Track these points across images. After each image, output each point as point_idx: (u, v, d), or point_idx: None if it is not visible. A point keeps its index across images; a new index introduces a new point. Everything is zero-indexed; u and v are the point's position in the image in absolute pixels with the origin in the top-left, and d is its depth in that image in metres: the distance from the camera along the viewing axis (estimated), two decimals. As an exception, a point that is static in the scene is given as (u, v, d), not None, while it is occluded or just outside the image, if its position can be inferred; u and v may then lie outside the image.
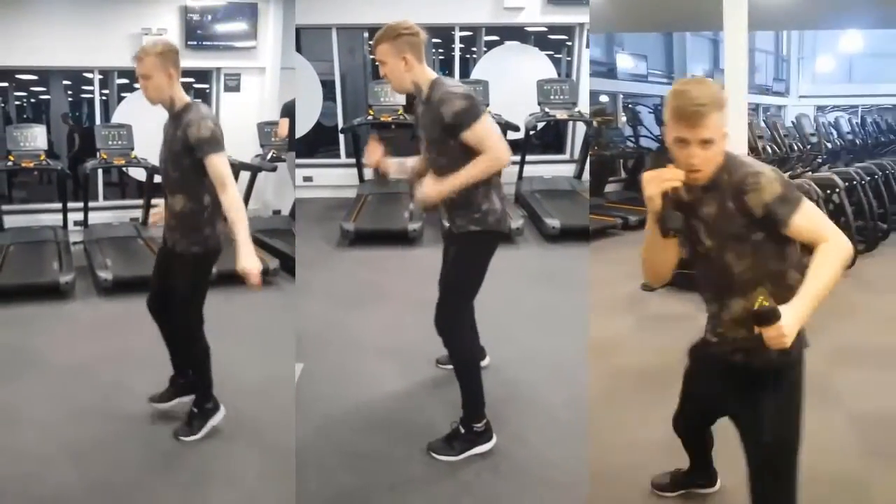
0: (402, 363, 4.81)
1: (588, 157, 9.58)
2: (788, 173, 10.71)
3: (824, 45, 18.44)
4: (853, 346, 5.72)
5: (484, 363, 4.21)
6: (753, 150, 9.30)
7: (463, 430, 3.71)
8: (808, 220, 2.41)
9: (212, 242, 3.73)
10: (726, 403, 2.78)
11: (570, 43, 10.44)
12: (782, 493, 2.67)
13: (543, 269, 6.37)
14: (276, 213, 9.13)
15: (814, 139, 12.04)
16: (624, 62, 13.74)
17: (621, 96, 13.58)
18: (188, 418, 4.05)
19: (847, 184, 7.62)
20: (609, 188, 11.89)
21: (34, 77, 9.76)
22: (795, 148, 11.45)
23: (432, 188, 3.51)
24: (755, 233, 2.46)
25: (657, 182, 2.44)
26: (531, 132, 8.96)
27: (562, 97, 9.03)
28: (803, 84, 18.74)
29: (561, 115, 8.98)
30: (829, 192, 7.25)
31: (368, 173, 9.35)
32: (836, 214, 7.63)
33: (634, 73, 13.80)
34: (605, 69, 13.85)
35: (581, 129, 9.70)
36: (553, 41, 10.73)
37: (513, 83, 8.99)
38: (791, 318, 2.24)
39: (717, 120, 2.39)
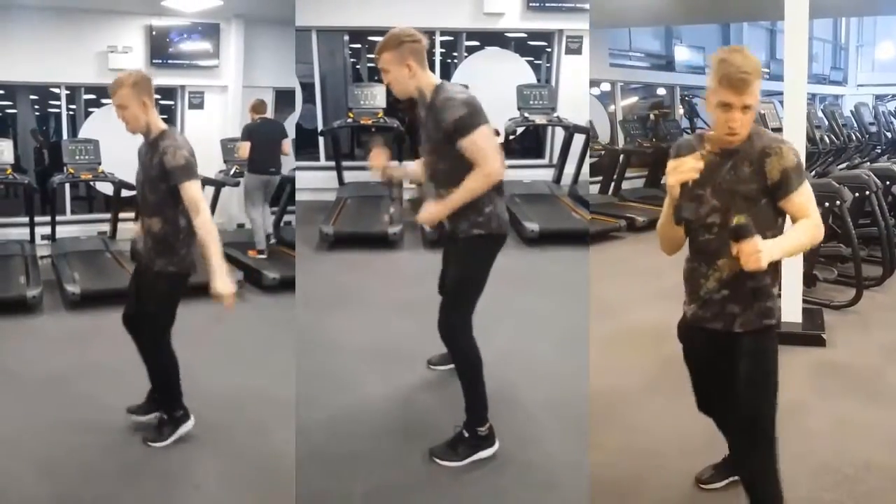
0: (383, 366, 4.91)
1: (566, 161, 9.74)
2: (846, 163, 10.44)
3: (884, 32, 18.25)
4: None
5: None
6: (811, 140, 9.03)
7: (467, 435, 3.81)
8: (807, 197, 2.82)
9: (187, 262, 4.02)
10: (720, 370, 2.99)
11: (549, 49, 10.84)
12: (759, 456, 2.93)
13: (524, 272, 6.51)
14: (240, 226, 9.50)
15: (873, 129, 11.79)
16: (682, 54, 13.74)
17: (678, 88, 13.75)
18: (158, 425, 4.29)
19: (907, 174, 7.28)
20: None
21: (0, 91, 10.11)
22: (854, 138, 11.27)
23: (432, 211, 3.71)
24: (762, 198, 2.80)
25: (677, 173, 2.74)
26: (510, 137, 9.32)
27: (541, 102, 9.43)
28: (862, 73, 18.41)
29: (540, 119, 9.38)
30: (888, 183, 7.04)
31: (348, 176, 9.74)
32: (895, 206, 7.33)
33: (692, 65, 13.75)
34: (664, 62, 14.00)
35: (560, 134, 9.96)
36: (533, 47, 11.14)
37: (493, 88, 9.18)
38: (767, 245, 2.60)
39: (757, 87, 2.71)
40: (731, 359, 2.91)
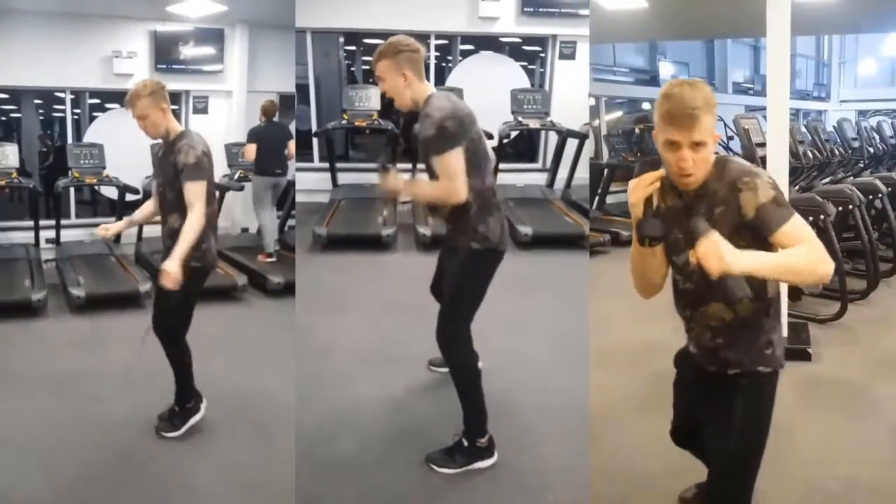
0: (376, 368, 4.91)
1: (559, 166, 9.81)
2: (830, 178, 10.45)
3: (866, 49, 18.40)
4: (894, 356, 5.64)
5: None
6: (794, 155, 9.03)
7: (466, 444, 3.78)
8: (796, 230, 2.40)
9: (209, 256, 4.14)
10: (703, 411, 2.87)
11: (543, 54, 10.89)
12: (733, 500, 2.77)
13: (517, 275, 6.31)
14: (244, 230, 9.48)
15: (856, 144, 11.87)
16: (666, 69, 13.73)
17: None
18: (170, 416, 4.37)
19: (890, 189, 7.38)
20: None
21: (5, 96, 10.13)
22: (837, 153, 11.29)
23: (395, 184, 3.77)
24: (740, 239, 2.38)
25: (639, 188, 2.51)
26: (504, 140, 9.30)
27: (534, 106, 9.42)
28: (844, 89, 18.57)
29: (534, 124, 9.38)
30: (871, 197, 7.04)
31: (342, 178, 9.75)
32: (878, 220, 7.33)
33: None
34: (648, 77, 13.98)
35: (553, 138, 10.03)
36: (527, 52, 11.19)
37: (487, 92, 9.36)
38: (735, 253, 2.26)
39: (708, 122, 2.41)
40: (721, 397, 2.71)
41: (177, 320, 4.16)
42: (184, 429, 4.31)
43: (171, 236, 4.05)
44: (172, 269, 3.82)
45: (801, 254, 2.35)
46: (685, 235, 2.52)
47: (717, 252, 2.23)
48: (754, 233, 2.42)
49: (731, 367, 2.68)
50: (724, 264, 2.22)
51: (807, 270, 2.37)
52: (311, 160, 10.53)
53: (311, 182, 9.83)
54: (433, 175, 3.60)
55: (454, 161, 3.48)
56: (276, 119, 8.41)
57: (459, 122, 3.51)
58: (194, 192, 3.94)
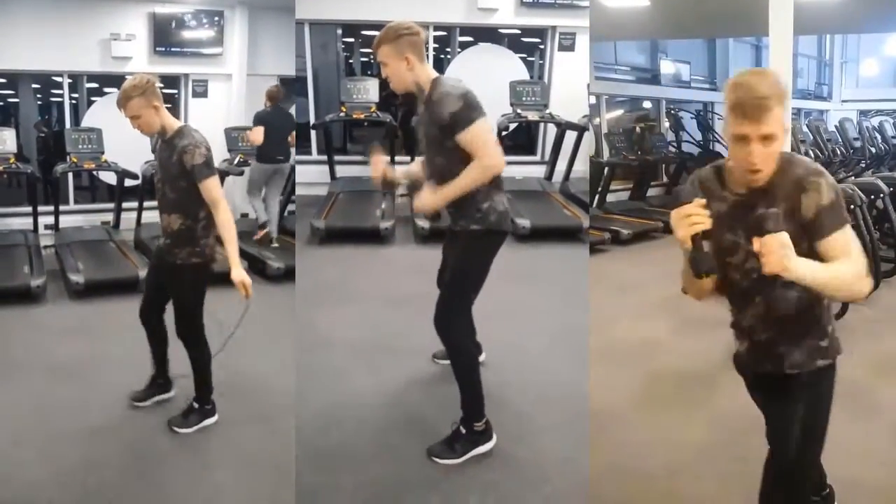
0: (373, 360, 4.93)
1: (557, 158, 9.82)
2: (832, 178, 10.47)
3: (868, 49, 18.39)
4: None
5: (480, 359, 4.32)
6: (796, 154, 9.00)
7: (464, 431, 3.80)
8: (847, 241, 2.38)
9: (209, 252, 4.17)
10: (772, 411, 2.73)
11: (542, 46, 10.88)
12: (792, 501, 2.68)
13: (516, 268, 6.39)
14: (244, 216, 9.35)
15: (857, 143, 11.87)
16: (667, 68, 13.78)
17: (664, 102, 13.81)
18: (186, 412, 4.37)
19: (892, 189, 7.36)
20: (651, 192, 12.26)
21: (2, 80, 10.01)
22: (839, 152, 11.29)
23: (429, 199, 3.70)
24: (802, 242, 2.35)
25: (685, 225, 2.36)
26: (503, 133, 9.32)
27: (533, 99, 9.41)
28: (846, 88, 18.55)
29: (532, 116, 9.38)
30: (873, 197, 7.04)
31: (340, 170, 9.73)
32: (880, 220, 7.32)
33: (677, 79, 13.80)
34: (649, 75, 14.01)
35: (552, 130, 10.04)
36: (526, 44, 11.20)
37: (486, 84, 8.96)
38: (795, 259, 2.25)
39: (779, 114, 2.31)
40: (781, 400, 2.62)
41: (190, 319, 4.19)
42: (195, 427, 4.31)
43: (170, 236, 4.10)
44: (243, 278, 3.94)
45: (846, 269, 2.34)
46: (745, 230, 2.46)
47: (781, 251, 2.22)
48: (810, 234, 2.38)
49: (788, 364, 2.57)
50: (783, 266, 2.23)
51: (846, 287, 2.37)
52: (310, 153, 10.49)
53: (309, 175, 9.81)
54: (446, 161, 3.59)
55: (485, 129, 3.55)
56: (280, 105, 8.38)
57: (475, 97, 3.57)
58: (213, 189, 3.98)
